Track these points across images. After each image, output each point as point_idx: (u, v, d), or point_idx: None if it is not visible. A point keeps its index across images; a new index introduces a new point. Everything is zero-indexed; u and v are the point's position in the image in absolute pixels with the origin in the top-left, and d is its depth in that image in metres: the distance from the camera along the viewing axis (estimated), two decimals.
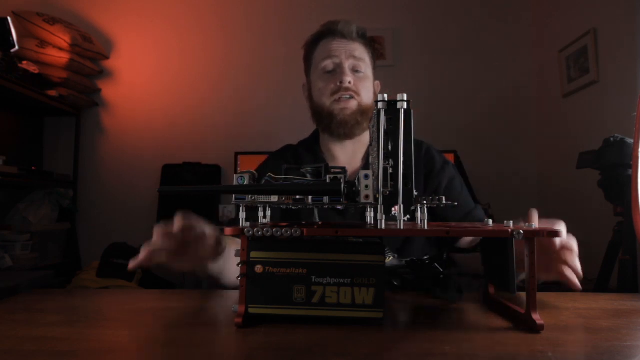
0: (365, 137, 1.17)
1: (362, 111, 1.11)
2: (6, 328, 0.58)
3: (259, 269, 0.58)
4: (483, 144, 2.90)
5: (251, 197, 0.60)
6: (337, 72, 1.12)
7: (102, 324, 0.62)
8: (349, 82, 1.10)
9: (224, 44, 3.11)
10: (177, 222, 0.72)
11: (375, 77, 1.19)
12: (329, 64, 1.12)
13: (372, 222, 0.67)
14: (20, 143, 2.91)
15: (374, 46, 1.20)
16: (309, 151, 1.20)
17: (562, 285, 0.73)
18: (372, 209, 0.68)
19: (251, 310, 0.58)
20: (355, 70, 1.12)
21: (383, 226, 0.55)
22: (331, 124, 1.12)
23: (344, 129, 1.12)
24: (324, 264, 0.58)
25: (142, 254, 0.71)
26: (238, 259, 0.58)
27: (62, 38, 2.74)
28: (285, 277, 0.58)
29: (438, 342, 0.51)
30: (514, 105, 3.00)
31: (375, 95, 1.15)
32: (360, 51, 1.14)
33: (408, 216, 0.57)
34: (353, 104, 1.11)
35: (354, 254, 0.58)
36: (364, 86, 1.12)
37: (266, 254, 0.58)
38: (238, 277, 0.58)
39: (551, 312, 0.66)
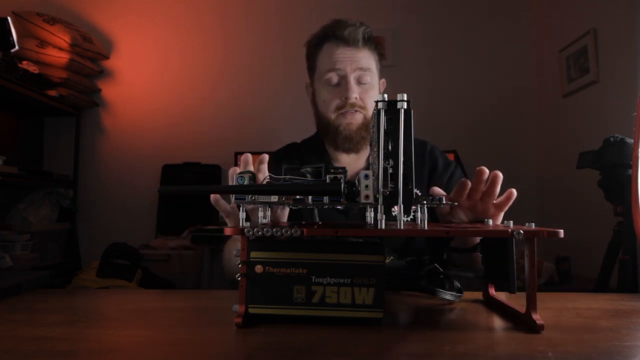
0: (368, 150, 1.17)
1: (367, 125, 1.10)
2: (6, 328, 0.58)
3: (259, 269, 0.58)
4: (483, 144, 2.90)
5: (251, 197, 0.60)
6: (342, 85, 1.10)
7: (102, 324, 0.62)
8: (355, 98, 1.09)
9: (224, 44, 3.11)
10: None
11: (380, 77, 1.17)
12: (333, 76, 1.10)
13: (372, 222, 0.67)
14: (20, 143, 2.91)
15: (379, 48, 1.19)
16: (314, 151, 1.20)
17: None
18: (372, 209, 0.68)
19: (251, 310, 0.58)
20: (361, 81, 1.10)
21: (383, 226, 0.55)
22: (337, 139, 1.12)
23: (349, 144, 1.12)
24: (324, 264, 0.58)
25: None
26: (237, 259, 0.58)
27: (62, 38, 2.74)
28: (285, 277, 0.58)
29: (438, 342, 0.51)
30: (514, 105, 3.00)
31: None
32: (367, 59, 1.11)
33: (412, 216, 0.57)
34: (359, 118, 1.10)
35: (354, 254, 0.58)
36: (370, 97, 1.11)
37: (266, 254, 0.58)
38: (238, 276, 0.58)
39: (551, 312, 0.66)
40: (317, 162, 1.15)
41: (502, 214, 0.84)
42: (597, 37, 2.31)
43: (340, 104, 1.10)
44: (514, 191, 0.83)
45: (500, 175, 0.82)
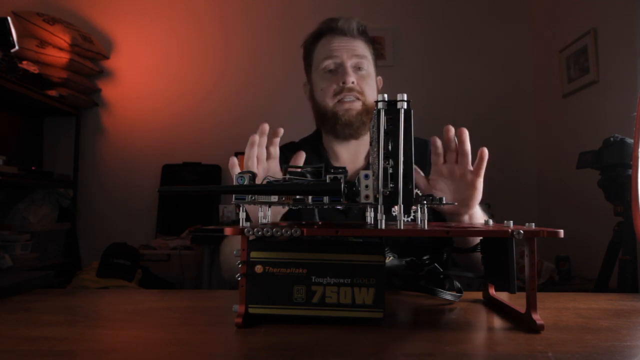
0: (368, 136, 1.16)
1: (367, 111, 1.10)
2: (6, 328, 0.57)
3: (259, 269, 0.58)
4: (483, 144, 2.89)
5: (251, 197, 0.60)
6: (339, 71, 1.10)
7: (102, 324, 0.62)
8: (352, 82, 1.08)
9: (224, 44, 3.11)
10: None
11: (377, 74, 1.18)
12: (330, 63, 1.10)
13: (372, 222, 0.67)
14: (20, 143, 2.91)
15: (375, 43, 1.19)
16: (312, 150, 1.19)
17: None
18: (372, 209, 0.68)
19: (251, 310, 0.57)
20: (357, 68, 1.10)
21: (383, 226, 0.55)
22: (336, 125, 1.11)
23: (349, 130, 1.11)
24: (324, 264, 0.58)
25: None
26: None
27: (62, 38, 2.74)
28: (285, 277, 0.58)
29: (438, 342, 0.51)
30: (514, 105, 3.00)
31: (378, 91, 1.15)
32: (362, 48, 1.12)
33: (412, 217, 0.57)
34: (357, 105, 1.10)
35: (354, 254, 0.58)
36: (367, 84, 1.11)
37: (266, 254, 0.58)
38: (238, 276, 0.58)
39: (551, 312, 0.66)
40: (315, 160, 1.15)
41: (480, 179, 0.88)
42: (597, 37, 2.31)
43: (337, 89, 1.09)
44: (485, 149, 0.87)
45: (465, 130, 0.86)
